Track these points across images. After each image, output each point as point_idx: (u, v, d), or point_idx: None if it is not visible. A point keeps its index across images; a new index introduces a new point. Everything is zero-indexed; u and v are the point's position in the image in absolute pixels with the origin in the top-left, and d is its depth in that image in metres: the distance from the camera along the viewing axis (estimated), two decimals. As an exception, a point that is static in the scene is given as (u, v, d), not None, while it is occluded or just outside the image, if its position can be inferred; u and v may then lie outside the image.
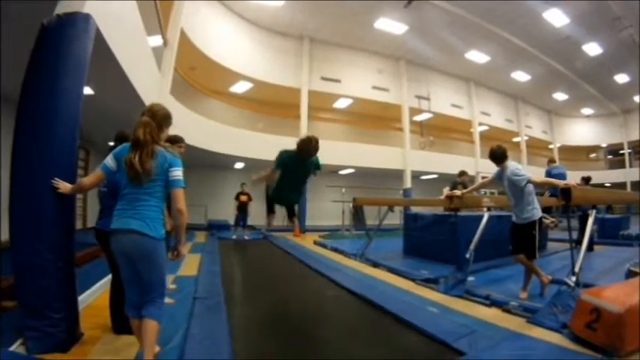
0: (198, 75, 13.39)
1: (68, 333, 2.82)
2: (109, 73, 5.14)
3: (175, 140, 3.46)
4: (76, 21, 3.01)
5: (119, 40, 4.80)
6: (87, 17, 3.14)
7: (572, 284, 3.87)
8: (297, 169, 4.03)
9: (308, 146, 3.88)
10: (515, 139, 22.28)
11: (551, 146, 24.59)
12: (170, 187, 2.47)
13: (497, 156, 4.41)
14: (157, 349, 2.60)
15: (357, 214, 13.88)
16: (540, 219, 4.36)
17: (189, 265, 6.58)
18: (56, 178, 2.78)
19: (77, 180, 2.86)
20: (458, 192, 5.21)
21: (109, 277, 3.40)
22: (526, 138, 22.50)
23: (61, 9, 2.98)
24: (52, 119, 2.84)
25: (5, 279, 3.53)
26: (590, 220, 4.28)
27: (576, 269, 3.97)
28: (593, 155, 26.63)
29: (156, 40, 8.40)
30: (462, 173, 8.88)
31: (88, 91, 4.12)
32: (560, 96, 21.84)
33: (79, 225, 6.74)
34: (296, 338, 3.43)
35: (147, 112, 2.53)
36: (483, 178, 5.30)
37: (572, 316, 3.21)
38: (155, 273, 2.47)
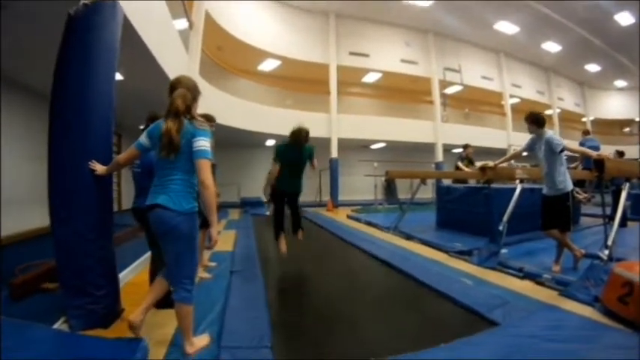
0: (226, 55, 13.47)
1: (109, 309, 2.92)
2: (138, 57, 5.23)
3: (207, 119, 3.51)
4: (103, 8, 3.01)
5: (146, 25, 4.84)
6: (114, 4, 3.15)
7: (605, 258, 3.82)
8: (293, 157, 4.51)
9: (299, 136, 4.46)
10: (547, 112, 21.41)
11: (584, 119, 23.61)
12: (194, 159, 2.30)
13: (540, 120, 4.24)
14: (207, 339, 2.63)
15: (390, 187, 13.82)
16: (572, 191, 4.24)
17: (225, 241, 6.74)
18: (93, 161, 2.83)
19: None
20: (491, 163, 5.09)
21: (148, 254, 3.52)
22: (558, 111, 21.70)
23: (87, -3, 2.99)
24: (86, 106, 2.88)
25: (45, 263, 3.74)
26: (624, 194, 4.16)
27: (609, 243, 3.89)
28: (627, 129, 25.30)
29: (181, 24, 8.47)
30: (467, 146, 8.90)
31: (117, 76, 4.22)
32: (592, 67, 20.85)
33: (115, 208, 7.03)
34: (331, 308, 3.52)
35: (179, 84, 2.45)
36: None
37: (604, 289, 3.17)
38: (179, 250, 2.38)
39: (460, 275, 4.45)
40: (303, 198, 16.96)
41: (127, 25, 3.98)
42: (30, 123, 6.75)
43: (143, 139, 2.50)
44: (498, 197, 5.70)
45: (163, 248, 2.43)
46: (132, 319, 2.48)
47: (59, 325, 2.75)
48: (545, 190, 4.34)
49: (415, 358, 2.29)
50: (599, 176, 3.82)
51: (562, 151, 4.06)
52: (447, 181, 10.00)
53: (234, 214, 12.14)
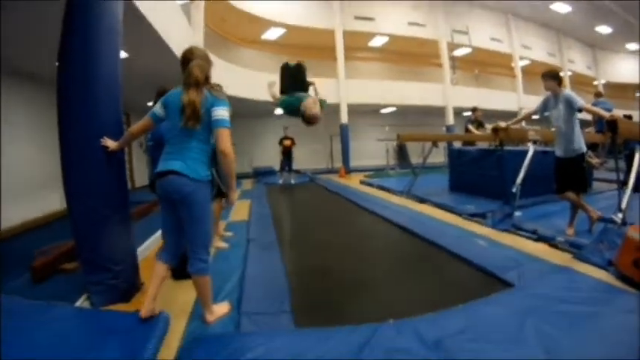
0: (230, 26, 13.33)
1: (129, 284, 2.99)
2: (142, 35, 5.20)
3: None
4: (103, -13, 2.95)
5: (148, 1, 4.80)
6: (113, -17, 3.08)
7: (618, 221, 3.76)
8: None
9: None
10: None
11: (595, 82, 22.75)
12: (213, 127, 2.34)
13: (560, 77, 4.10)
14: (227, 307, 2.69)
15: (402, 152, 13.75)
16: (586, 153, 4.17)
17: (240, 210, 6.86)
18: (104, 137, 2.83)
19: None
20: (503, 124, 5.00)
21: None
22: (569, 73, 20.93)
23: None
24: (92, 85, 2.86)
25: (63, 244, 3.81)
26: (637, 157, 4.06)
27: (623, 206, 3.84)
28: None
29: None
30: (475, 109, 8.80)
31: (122, 54, 4.20)
32: (603, 29, 19.88)
33: (128, 186, 7.21)
34: (349, 272, 3.59)
35: (193, 55, 2.43)
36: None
37: (618, 252, 3.11)
38: (196, 218, 2.38)
39: (475, 237, 4.47)
40: (316, 164, 16.94)
41: (129, 4, 3.95)
42: (41, 111, 6.82)
43: (158, 109, 2.50)
44: (511, 159, 5.64)
45: (179, 215, 2.41)
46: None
47: (81, 302, 2.81)
48: (559, 153, 4.23)
49: (433, 319, 2.33)
50: (613, 137, 3.75)
51: (580, 109, 3.94)
52: (457, 144, 9.91)
53: (247, 184, 12.27)
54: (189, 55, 2.44)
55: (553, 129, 4.32)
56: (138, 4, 4.33)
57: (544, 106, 4.28)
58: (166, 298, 2.82)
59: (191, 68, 2.36)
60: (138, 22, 4.68)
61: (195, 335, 2.34)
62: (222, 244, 4.50)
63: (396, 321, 2.30)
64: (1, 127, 5.76)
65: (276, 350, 2.03)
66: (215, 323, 2.50)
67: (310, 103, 3.35)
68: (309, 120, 3.32)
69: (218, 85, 2.50)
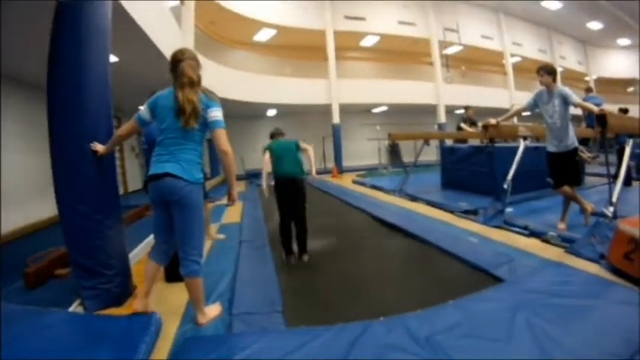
0: (220, 28, 13.34)
1: (121, 287, 2.98)
2: (132, 38, 5.20)
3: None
4: (92, -8, 2.96)
5: (137, 5, 4.80)
6: (101, -13, 3.08)
7: (610, 215, 3.79)
8: (280, 148, 4.22)
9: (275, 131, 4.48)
10: None
11: (587, 78, 22.86)
12: (211, 129, 2.40)
13: (553, 70, 4.12)
14: (219, 309, 2.70)
15: (394, 150, 13.80)
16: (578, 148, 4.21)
17: (232, 213, 6.84)
18: (94, 142, 2.83)
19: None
20: (493, 120, 5.02)
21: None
22: (561, 69, 20.76)
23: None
24: (82, 90, 2.86)
25: (55, 250, 3.83)
26: (627, 150, 4.12)
27: (614, 199, 3.87)
28: (631, 89, 24.40)
29: (172, 2, 8.33)
30: (467, 108, 8.91)
31: (113, 58, 4.17)
32: (594, 25, 20.05)
33: (120, 190, 7.16)
34: (340, 271, 3.62)
35: (184, 55, 2.44)
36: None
37: (610, 246, 3.14)
38: (189, 220, 2.41)
39: (466, 234, 4.51)
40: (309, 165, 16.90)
41: (119, 7, 3.97)
42: (32, 116, 6.75)
43: (144, 112, 2.51)
44: (502, 156, 5.68)
45: (173, 216, 2.44)
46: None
47: (74, 307, 2.81)
48: (551, 148, 4.24)
49: (424, 315, 2.36)
50: (602, 132, 3.76)
51: (575, 104, 3.97)
52: (449, 142, 9.97)
53: (240, 186, 12.22)
54: (179, 56, 2.44)
55: (544, 125, 4.35)
56: (126, 6, 4.33)
57: (535, 102, 4.30)
58: (159, 299, 2.83)
59: (184, 68, 2.38)
60: (127, 25, 4.68)
61: (187, 336, 2.35)
62: (220, 235, 4.58)
63: (387, 318, 2.33)
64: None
65: (267, 350, 2.04)
66: (207, 325, 2.51)
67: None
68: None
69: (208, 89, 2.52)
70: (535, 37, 20.43)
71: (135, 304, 2.42)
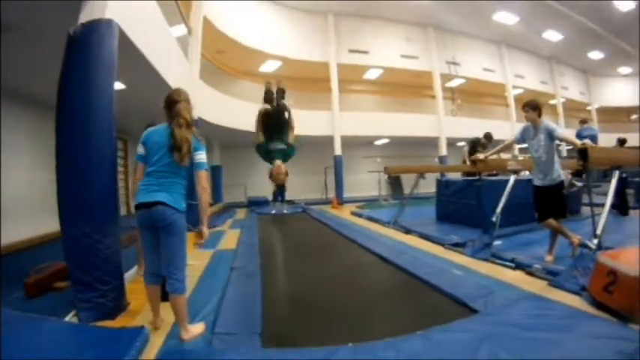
0: (227, 58, 13.68)
1: (115, 303, 3.18)
2: (138, 68, 5.47)
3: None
4: (100, 27, 3.29)
5: (143, 37, 5.08)
6: (109, 22, 3.41)
7: (593, 247, 3.78)
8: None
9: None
10: (552, 102, 21.15)
11: (589, 108, 23.21)
12: (195, 169, 2.74)
13: (538, 106, 4.21)
14: (202, 327, 2.88)
15: (394, 183, 13.93)
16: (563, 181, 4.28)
17: (229, 239, 7.02)
18: None
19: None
20: (481, 155, 5.15)
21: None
22: (563, 100, 21.40)
23: (84, 17, 3.26)
24: (88, 117, 3.15)
25: (56, 263, 4.04)
26: (614, 182, 4.10)
27: (598, 232, 3.85)
28: (634, 117, 24.35)
29: (180, 30, 8.65)
30: (479, 138, 8.97)
31: (120, 86, 4.44)
32: (595, 55, 20.41)
33: (123, 211, 7.34)
34: (321, 300, 3.72)
35: (180, 96, 2.76)
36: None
37: (591, 278, 3.15)
38: (176, 244, 2.70)
39: (452, 267, 4.52)
40: (311, 195, 16.97)
41: (125, 39, 4.23)
42: (41, 133, 7.10)
43: (140, 150, 2.81)
44: (491, 189, 5.77)
45: (160, 240, 2.70)
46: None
47: (69, 318, 3.03)
48: (537, 182, 4.34)
49: (392, 343, 2.44)
50: (584, 165, 3.80)
51: (559, 138, 4.07)
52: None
53: (241, 214, 12.40)
54: (175, 97, 2.75)
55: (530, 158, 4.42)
56: (132, 38, 4.59)
57: (522, 137, 4.41)
58: (148, 317, 3.00)
59: (180, 110, 2.69)
60: (133, 55, 4.94)
61: (169, 349, 2.56)
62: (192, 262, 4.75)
63: (355, 344, 2.44)
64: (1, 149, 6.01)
65: None
66: (190, 341, 2.68)
67: (276, 169, 3.97)
68: (273, 179, 4.05)
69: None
70: (537, 68, 20.76)
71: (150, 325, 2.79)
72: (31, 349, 2.35)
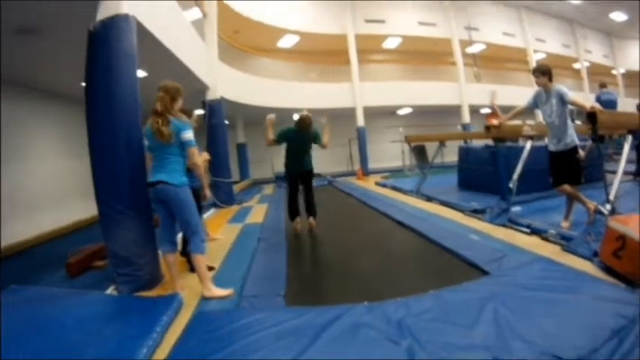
0: (244, 37, 13.74)
1: (151, 275, 3.48)
2: (157, 55, 5.70)
3: (185, 112, 3.72)
4: (118, 22, 3.49)
5: (160, 26, 5.29)
6: (126, 17, 3.59)
7: (606, 212, 3.73)
8: (297, 139, 5.25)
9: (300, 122, 5.23)
10: (575, 66, 20.34)
11: (614, 72, 21.96)
12: (185, 147, 3.10)
13: (548, 70, 4.15)
14: (227, 292, 3.16)
15: (419, 152, 13.91)
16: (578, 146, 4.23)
17: (257, 213, 7.41)
18: None
19: (143, 148, 3.46)
20: (495, 121, 5.13)
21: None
22: (587, 64, 20.39)
23: (102, 14, 3.47)
24: (114, 105, 3.38)
25: (93, 245, 4.43)
26: (626, 146, 4.06)
27: (611, 197, 3.80)
28: None
29: (195, 14, 8.76)
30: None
31: (142, 73, 4.67)
32: (617, 16, 19.08)
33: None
34: (343, 265, 4.01)
35: (161, 89, 3.11)
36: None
37: (601, 243, 3.13)
38: (184, 212, 3.13)
39: (470, 232, 4.63)
40: (336, 167, 17.02)
41: (143, 30, 4.45)
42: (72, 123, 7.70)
43: (145, 141, 3.30)
44: (510, 156, 5.76)
45: (171, 211, 3.19)
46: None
47: (110, 291, 3.36)
48: (551, 147, 4.31)
49: (403, 302, 2.62)
50: (593, 129, 3.73)
51: (568, 101, 4.03)
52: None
53: (269, 189, 12.70)
54: (160, 88, 3.13)
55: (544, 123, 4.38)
56: (148, 26, 4.74)
57: (534, 102, 4.40)
58: (185, 286, 3.31)
59: (155, 100, 3.09)
60: (151, 43, 5.14)
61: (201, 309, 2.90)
62: (218, 236, 5.37)
63: (370, 303, 2.65)
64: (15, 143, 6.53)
65: (263, 320, 2.48)
66: (213, 299, 3.05)
67: None
68: None
69: (183, 109, 3.32)
70: (558, 32, 19.91)
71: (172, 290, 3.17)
72: (77, 319, 2.67)
